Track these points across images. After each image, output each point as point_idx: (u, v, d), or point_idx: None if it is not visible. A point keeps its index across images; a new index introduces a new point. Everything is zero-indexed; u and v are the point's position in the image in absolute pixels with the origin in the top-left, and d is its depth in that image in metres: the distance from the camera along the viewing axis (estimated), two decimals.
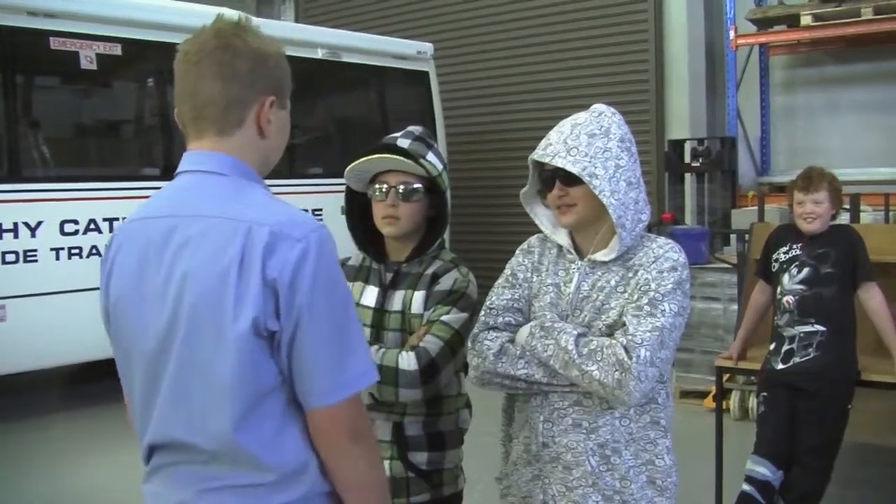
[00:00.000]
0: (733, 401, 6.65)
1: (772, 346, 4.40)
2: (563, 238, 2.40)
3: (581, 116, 2.30)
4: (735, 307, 6.33)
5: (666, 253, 2.27)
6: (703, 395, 7.01)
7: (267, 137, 1.82)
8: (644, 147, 9.29)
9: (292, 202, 1.79)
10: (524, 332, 2.31)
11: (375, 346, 2.43)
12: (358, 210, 2.66)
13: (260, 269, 1.65)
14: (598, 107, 2.33)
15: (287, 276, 1.65)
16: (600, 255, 2.31)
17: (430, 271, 2.55)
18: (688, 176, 8.87)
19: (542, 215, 2.44)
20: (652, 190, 9.27)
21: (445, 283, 2.51)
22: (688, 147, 8.81)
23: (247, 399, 1.67)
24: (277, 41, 1.86)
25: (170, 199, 1.81)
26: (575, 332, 2.22)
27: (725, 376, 5.55)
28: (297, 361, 1.69)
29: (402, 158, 2.51)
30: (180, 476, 1.75)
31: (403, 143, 2.56)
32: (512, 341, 2.32)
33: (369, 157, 2.53)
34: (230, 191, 1.75)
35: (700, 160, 8.62)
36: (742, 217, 7.59)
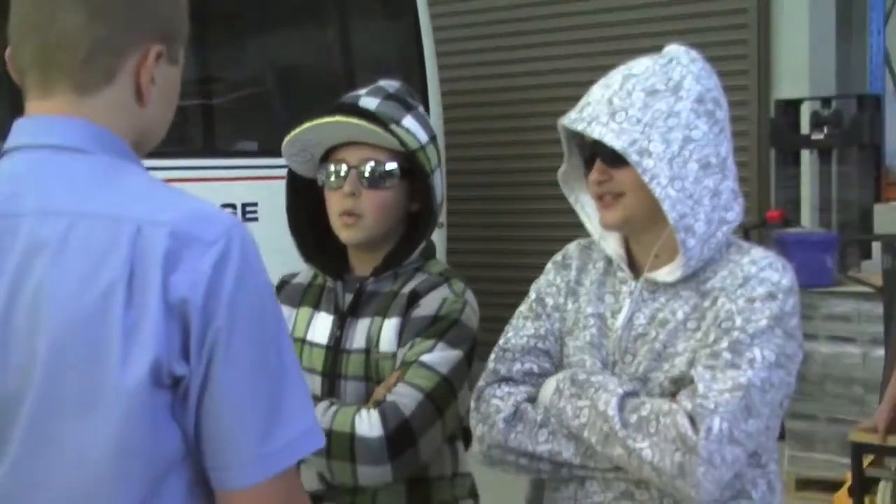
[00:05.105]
0: (882, 496, 5.70)
1: None
2: (613, 246, 2.25)
3: (640, 64, 2.18)
4: (880, 353, 6.09)
5: (761, 272, 2.11)
6: (833, 485, 6.33)
7: (147, 104, 1.67)
8: (740, 111, 8.54)
9: (210, 194, 1.69)
10: (549, 386, 2.18)
11: (325, 403, 2.30)
12: (306, 205, 2.57)
13: (160, 289, 1.52)
14: (671, 50, 2.21)
15: (200, 294, 1.53)
16: (662, 274, 2.17)
17: (407, 289, 2.42)
18: (806, 154, 8.03)
19: (589, 207, 2.31)
20: (749, 175, 8.57)
21: (429, 304, 2.37)
22: (807, 110, 7.96)
23: (136, 487, 1.56)
24: None
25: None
26: (620, 391, 2.09)
27: (867, 459, 5.30)
28: (208, 420, 1.56)
29: (366, 124, 2.39)
30: None
31: (369, 102, 2.45)
32: (533, 400, 2.19)
33: (317, 121, 2.42)
34: (99, 175, 1.61)
35: (826, 130, 7.89)
36: (890, 216, 7.34)
